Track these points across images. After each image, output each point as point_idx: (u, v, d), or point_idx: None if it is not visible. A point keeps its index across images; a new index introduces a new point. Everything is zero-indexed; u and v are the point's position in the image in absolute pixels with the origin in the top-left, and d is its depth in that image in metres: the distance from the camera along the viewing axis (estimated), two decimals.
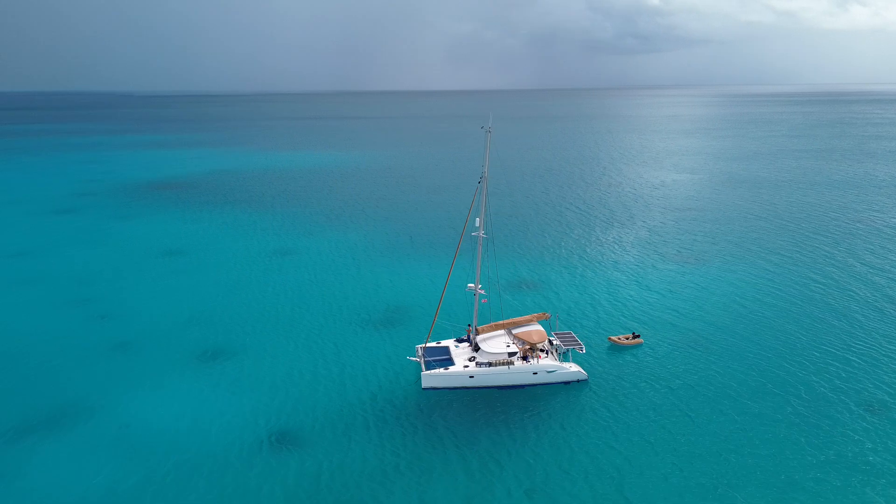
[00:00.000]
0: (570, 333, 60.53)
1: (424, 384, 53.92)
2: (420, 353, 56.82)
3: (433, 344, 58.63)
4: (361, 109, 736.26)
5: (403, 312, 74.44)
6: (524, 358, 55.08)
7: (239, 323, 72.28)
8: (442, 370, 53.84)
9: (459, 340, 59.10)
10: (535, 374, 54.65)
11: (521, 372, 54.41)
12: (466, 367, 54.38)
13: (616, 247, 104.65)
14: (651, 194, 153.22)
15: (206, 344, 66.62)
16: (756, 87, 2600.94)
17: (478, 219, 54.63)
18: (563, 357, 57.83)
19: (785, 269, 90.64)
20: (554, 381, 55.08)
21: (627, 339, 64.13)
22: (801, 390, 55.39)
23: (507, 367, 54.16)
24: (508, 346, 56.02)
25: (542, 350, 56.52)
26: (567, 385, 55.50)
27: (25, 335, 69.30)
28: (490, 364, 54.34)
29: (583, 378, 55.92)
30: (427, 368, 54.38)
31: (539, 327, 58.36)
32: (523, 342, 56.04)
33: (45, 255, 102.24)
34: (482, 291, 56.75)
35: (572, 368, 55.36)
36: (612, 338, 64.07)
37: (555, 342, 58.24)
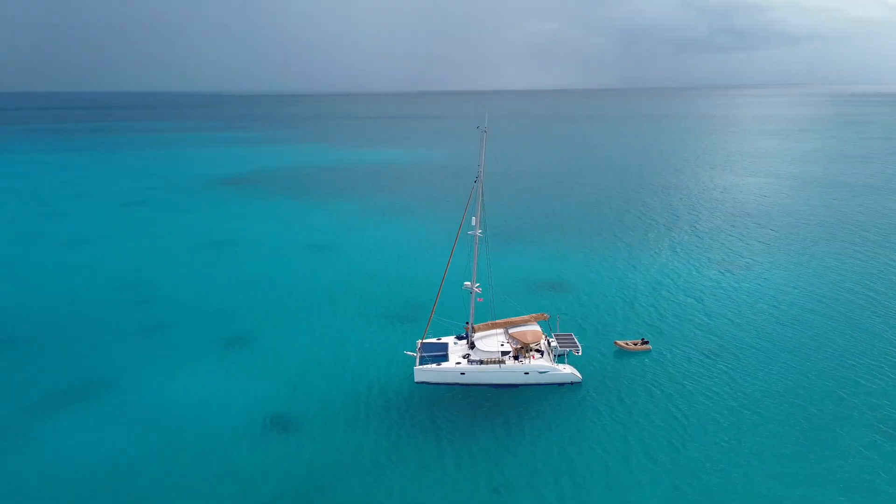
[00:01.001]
0: (571, 335, 59.71)
1: (417, 378, 54.81)
2: (418, 347, 57.68)
3: (434, 340, 59.40)
4: (440, 109, 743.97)
5: (418, 308, 75.35)
6: (516, 357, 54.87)
7: (263, 312, 75.65)
8: (434, 366, 54.54)
9: (459, 337, 59.57)
10: (526, 374, 54.39)
11: (512, 371, 54.29)
12: (459, 363, 54.80)
13: (647, 250, 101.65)
14: (705, 197, 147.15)
15: (229, 331, 70.17)
16: (865, 85, 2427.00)
17: (473, 218, 54.93)
18: (560, 359, 57.10)
19: (833, 282, 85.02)
20: (546, 382, 54.63)
21: (636, 344, 62.51)
22: (811, 413, 52.27)
23: (498, 365, 54.16)
24: (503, 344, 56.00)
25: (536, 350, 56.08)
26: (561, 387, 54.88)
27: (72, 314, 75.33)
28: (482, 362, 54.50)
29: (576, 381, 55.15)
30: (421, 363, 55.19)
31: (536, 328, 57.95)
32: (518, 342, 55.82)
33: (105, 242, 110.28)
34: (478, 290, 56.93)
35: (566, 370, 54.68)
36: (619, 342, 62.64)
37: (552, 343, 57.66)
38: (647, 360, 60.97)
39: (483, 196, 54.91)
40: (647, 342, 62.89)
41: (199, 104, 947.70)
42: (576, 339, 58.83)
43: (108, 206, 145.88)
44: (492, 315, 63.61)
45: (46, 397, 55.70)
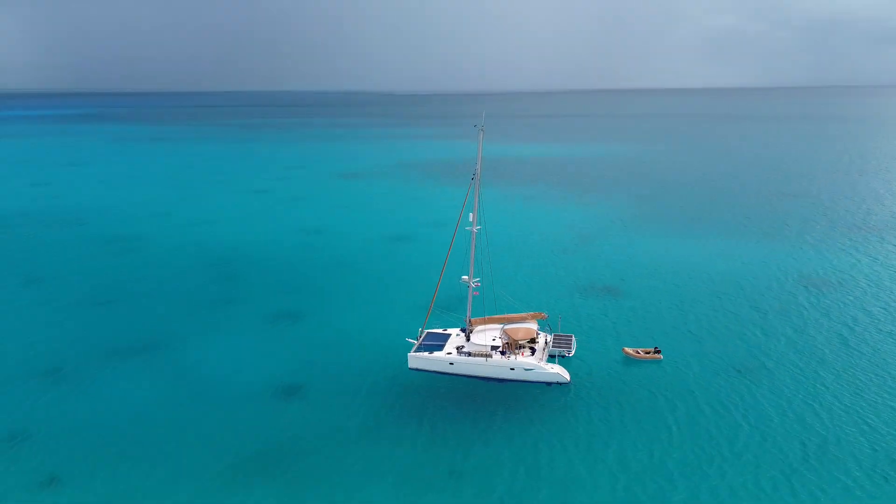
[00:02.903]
0: (570, 337, 59.42)
1: (410, 365, 57.84)
2: (420, 335, 60.65)
3: (440, 330, 62.03)
4: (604, 107, 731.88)
5: (445, 298, 77.65)
6: (502, 353, 55.97)
7: (324, 294, 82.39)
8: (426, 354, 57.24)
9: (463, 330, 61.65)
10: (512, 370, 55.31)
11: (497, 366, 55.50)
12: (449, 353, 57.04)
13: (697, 256, 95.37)
14: (807, 203, 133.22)
15: (283, 308, 77.47)
16: None
17: (471, 214, 56.73)
18: (560, 360, 57.31)
19: None
20: (532, 379, 55.15)
21: (647, 353, 60.56)
22: (814, 444, 48.21)
23: (484, 359, 55.67)
24: (494, 339, 57.30)
25: (529, 348, 56.70)
26: (549, 386, 55.17)
27: (163, 283, 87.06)
28: (470, 354, 56.30)
29: (563, 381, 55.06)
30: (418, 351, 58.17)
31: (532, 326, 58.41)
32: (508, 337, 56.85)
33: (221, 225, 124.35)
34: (476, 283, 58.62)
35: (552, 370, 54.83)
36: (628, 350, 61.00)
37: (549, 342, 57.89)
38: (651, 369, 59.00)
39: (480, 193, 56.61)
40: (658, 351, 60.66)
41: (371, 102, 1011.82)
42: (573, 342, 58.49)
43: (238, 192, 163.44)
44: (495, 310, 64.82)
45: (116, 349, 65.82)
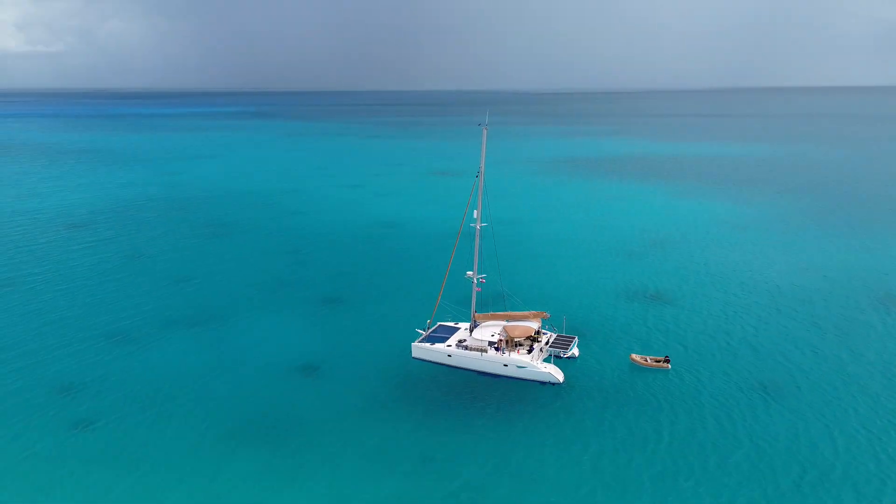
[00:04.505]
0: (573, 338, 59.08)
1: (413, 354, 60.53)
2: (428, 326, 63.13)
3: (451, 323, 64.16)
4: (752, 107, 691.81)
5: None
6: (497, 349, 57.01)
7: (366, 282, 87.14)
8: (427, 344, 59.66)
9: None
10: (505, 366, 56.25)
11: (491, 361, 56.63)
12: (449, 346, 59.04)
13: (771, 267, 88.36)
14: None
15: (331, 293, 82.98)
16: None
17: (475, 211, 58.19)
18: (549, 359, 57.45)
19: None
20: (524, 377, 55.75)
21: (657, 361, 58.76)
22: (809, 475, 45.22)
23: (479, 353, 57.08)
24: (494, 335, 58.46)
25: (520, 345, 57.28)
26: (543, 385, 55.54)
27: (230, 268, 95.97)
28: (467, 348, 57.95)
29: (556, 381, 55.13)
30: (424, 341, 60.76)
31: (533, 324, 58.78)
32: (506, 334, 57.77)
33: (309, 215, 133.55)
34: (482, 280, 59.99)
35: (545, 369, 55.11)
36: (635, 356, 59.45)
37: (549, 341, 58.14)
38: (656, 378, 57.25)
39: (483, 191, 57.89)
40: (667, 361, 58.63)
41: (503, 101, 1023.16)
42: (573, 344, 58.20)
43: (415, 176, 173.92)
44: (502, 306, 65.65)
45: (177, 320, 73.97)
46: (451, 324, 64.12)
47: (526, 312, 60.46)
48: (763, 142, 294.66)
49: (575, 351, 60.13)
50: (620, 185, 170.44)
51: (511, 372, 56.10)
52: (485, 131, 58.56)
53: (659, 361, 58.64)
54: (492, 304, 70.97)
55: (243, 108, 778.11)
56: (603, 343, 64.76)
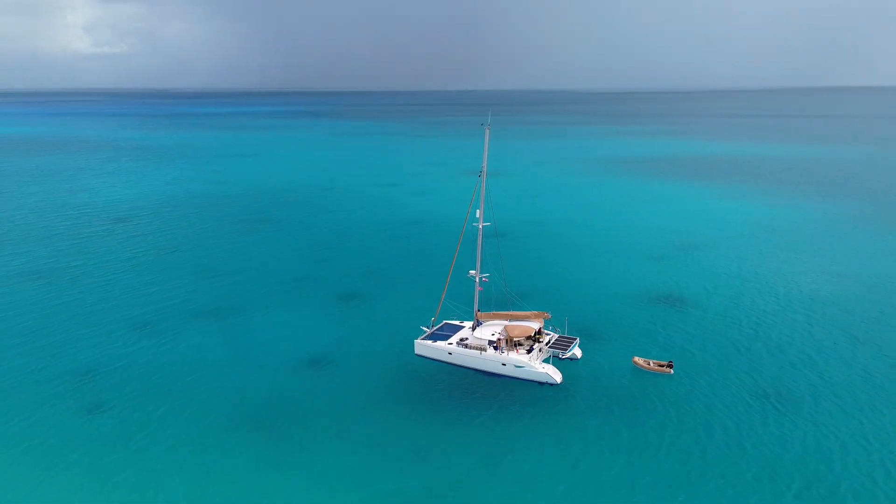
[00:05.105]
0: (574, 340, 58.69)
1: (416, 351, 61.30)
2: (432, 324, 63.77)
3: (457, 322, 64.68)
4: (821, 108, 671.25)
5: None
6: (495, 348, 57.20)
7: (386, 279, 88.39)
8: (429, 342, 60.33)
9: (479, 323, 63.61)
10: (503, 365, 56.42)
11: (490, 360, 56.84)
12: (451, 343, 59.55)
13: (805, 276, 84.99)
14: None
15: (351, 289, 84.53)
16: None
17: (478, 210, 58.51)
18: (547, 360, 57.31)
19: None
20: (521, 377, 55.77)
21: (660, 365, 57.85)
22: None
23: (479, 352, 57.40)
24: (493, 334, 58.68)
25: (520, 345, 57.29)
26: (541, 386, 55.49)
27: (261, 262, 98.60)
28: (467, 346, 58.35)
29: (553, 382, 54.98)
30: (428, 339, 61.47)
31: (534, 324, 58.69)
32: (505, 333, 57.90)
33: (340, 213, 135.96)
34: (485, 280, 60.24)
35: (542, 370, 55.04)
36: (638, 359, 58.63)
37: (550, 342, 58.00)
38: (655, 381, 56.38)
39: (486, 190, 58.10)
40: (671, 365, 57.63)
41: (571, 101, 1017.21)
42: (573, 345, 57.85)
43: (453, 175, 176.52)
44: (514, 305, 65.61)
45: (202, 312, 76.53)
46: (457, 322, 64.60)
47: (527, 312, 60.43)
48: (826, 143, 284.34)
49: (577, 352, 59.80)
50: (662, 186, 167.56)
51: (509, 371, 56.23)
52: (487, 131, 58.80)
53: (662, 366, 57.73)
54: (505, 303, 71.13)
55: (293, 107, 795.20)
56: (608, 345, 64.17)
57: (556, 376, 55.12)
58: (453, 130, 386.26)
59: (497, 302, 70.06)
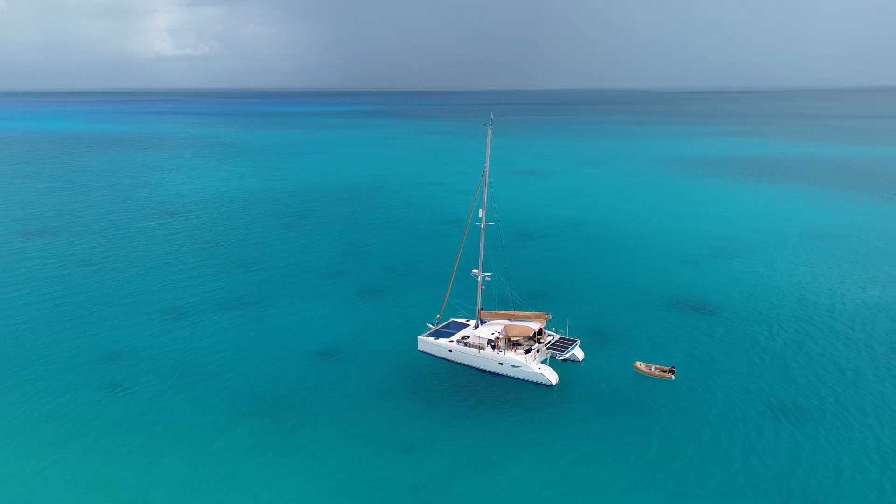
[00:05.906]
0: (574, 342, 58.08)
1: (419, 347, 62.18)
2: (437, 321, 64.46)
3: (462, 320, 65.19)
4: None
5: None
6: (493, 347, 57.31)
7: (409, 275, 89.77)
8: (431, 339, 61.08)
9: (482, 322, 63.89)
10: (500, 364, 56.51)
11: (488, 358, 57.03)
12: (451, 341, 60.08)
13: (841, 286, 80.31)
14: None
15: (375, 285, 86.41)
16: None
17: (480, 210, 58.73)
18: (545, 360, 56.97)
19: None
20: (518, 376, 55.72)
21: (662, 371, 56.51)
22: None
23: (477, 350, 57.69)
24: (494, 333, 58.80)
25: (519, 345, 57.16)
26: (538, 386, 55.31)
27: (298, 256, 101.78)
28: (467, 344, 58.74)
29: (548, 383, 54.67)
30: (431, 335, 62.29)
31: (534, 325, 58.43)
32: (505, 333, 57.94)
33: (385, 210, 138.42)
34: (488, 279, 60.43)
35: (538, 370, 54.83)
36: (639, 364, 57.40)
37: (549, 343, 57.67)
38: (654, 386, 55.23)
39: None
40: (673, 371, 56.17)
41: (642, 101, 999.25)
42: (572, 347, 57.28)
43: (505, 174, 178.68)
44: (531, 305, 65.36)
45: (229, 302, 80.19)
46: (464, 320, 65.05)
47: (528, 312, 60.24)
48: None
49: (579, 354, 59.20)
50: (714, 188, 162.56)
51: (506, 371, 56.31)
52: (490, 130, 58.94)
53: (664, 371, 56.42)
54: (522, 303, 71.18)
55: (363, 106, 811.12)
56: (613, 349, 63.19)
57: (552, 377, 54.80)
58: (509, 130, 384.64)
59: (517, 302, 70.23)
